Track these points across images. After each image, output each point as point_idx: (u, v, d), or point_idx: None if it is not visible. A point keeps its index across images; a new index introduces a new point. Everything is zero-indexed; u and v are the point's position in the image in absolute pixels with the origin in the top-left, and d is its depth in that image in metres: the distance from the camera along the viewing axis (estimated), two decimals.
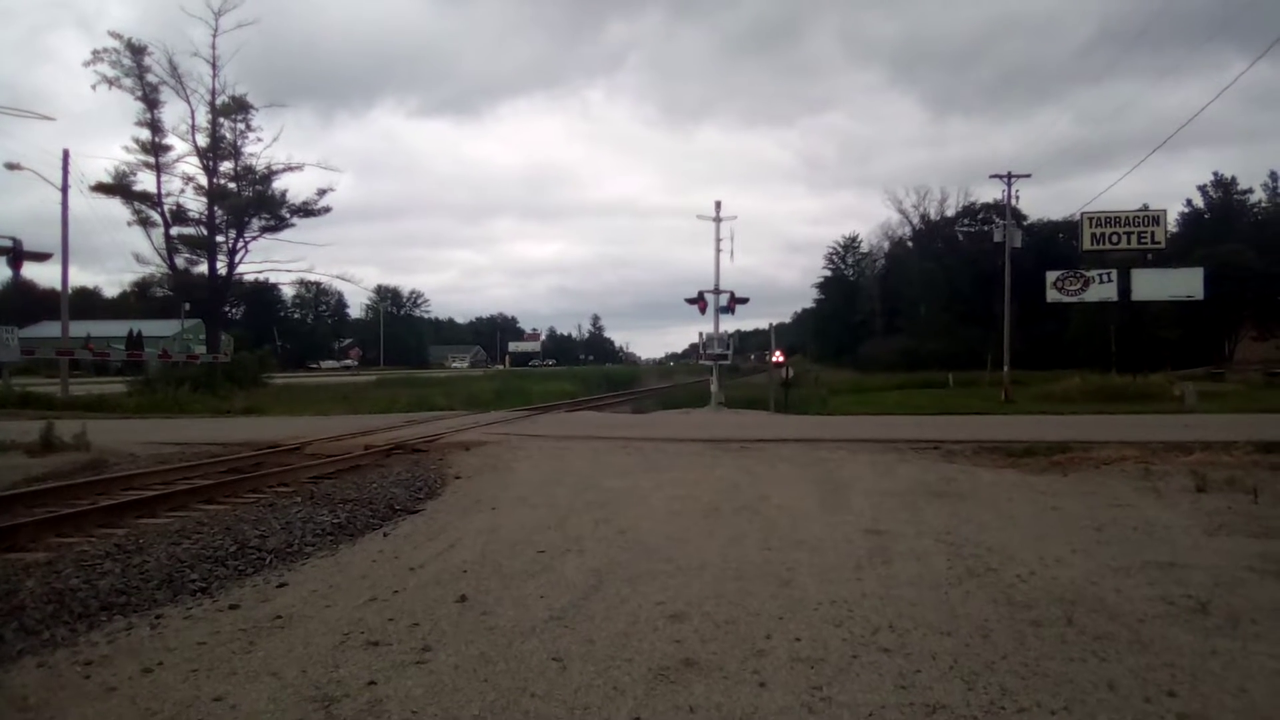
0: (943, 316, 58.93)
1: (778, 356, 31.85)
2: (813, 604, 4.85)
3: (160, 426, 17.37)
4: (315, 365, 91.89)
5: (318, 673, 3.84)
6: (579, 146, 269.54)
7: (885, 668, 3.84)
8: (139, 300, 66.51)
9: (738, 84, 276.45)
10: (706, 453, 12.31)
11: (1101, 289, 33.69)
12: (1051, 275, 34.52)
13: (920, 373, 43.32)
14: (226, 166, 36.03)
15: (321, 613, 4.80)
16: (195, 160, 35.15)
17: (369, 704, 3.49)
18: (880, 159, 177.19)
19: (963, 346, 48.40)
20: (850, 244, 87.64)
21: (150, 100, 33.80)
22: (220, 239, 36.05)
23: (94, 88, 33.97)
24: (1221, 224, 55.30)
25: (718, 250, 26.73)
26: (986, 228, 55.37)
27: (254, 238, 36.82)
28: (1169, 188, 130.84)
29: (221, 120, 35.25)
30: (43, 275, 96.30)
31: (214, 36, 33.74)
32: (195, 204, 35.57)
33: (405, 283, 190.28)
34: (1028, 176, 34.27)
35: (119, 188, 33.79)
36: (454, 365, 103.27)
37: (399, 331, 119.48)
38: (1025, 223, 50.53)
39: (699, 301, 26.90)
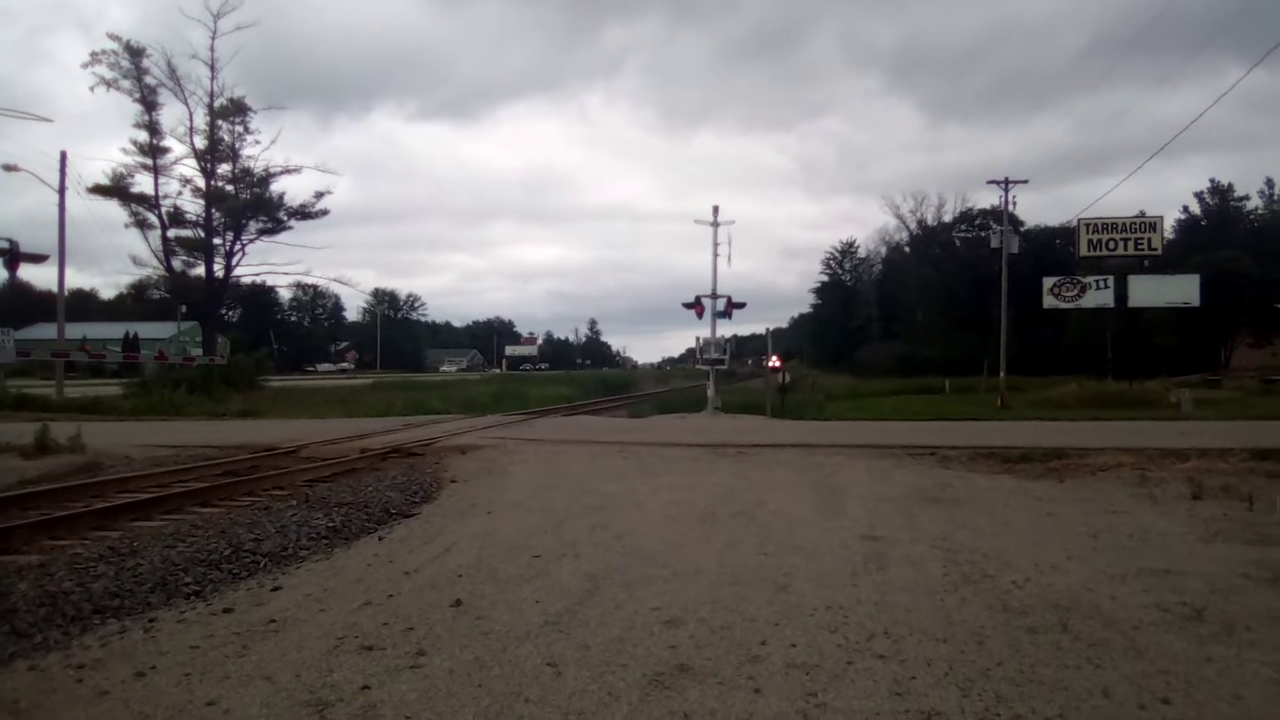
0: (939, 322, 59.00)
1: (774, 361, 31.84)
2: (808, 610, 4.85)
3: (156, 429, 17.34)
4: (312, 368, 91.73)
5: (311, 677, 3.82)
6: (577, 150, 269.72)
7: (880, 674, 3.83)
8: (135, 302, 66.43)
9: (736, 88, 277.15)
10: (703, 458, 12.31)
11: (1098, 295, 33.79)
12: (1048, 281, 34.61)
13: (917, 378, 43.40)
14: (224, 169, 36.12)
15: (316, 617, 4.78)
16: (193, 162, 35.24)
17: (363, 708, 3.48)
18: (878, 164, 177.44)
19: (959, 352, 48.42)
20: (848, 249, 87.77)
21: (148, 102, 33.84)
22: (217, 241, 36.11)
23: (92, 89, 34.09)
24: (1218, 231, 55.37)
25: (715, 255, 26.86)
26: (984, 233, 55.48)
27: (251, 240, 36.91)
28: (1166, 194, 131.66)
29: (220, 123, 35.31)
30: (39, 277, 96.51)
31: (213, 39, 33.84)
32: (193, 206, 35.64)
33: (402, 286, 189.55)
34: (1025, 182, 34.23)
35: (116, 190, 33.80)
36: (443, 369, 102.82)
37: (396, 335, 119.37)
38: (1022, 229, 50.60)
39: (696, 306, 26.95)
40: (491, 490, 9.62)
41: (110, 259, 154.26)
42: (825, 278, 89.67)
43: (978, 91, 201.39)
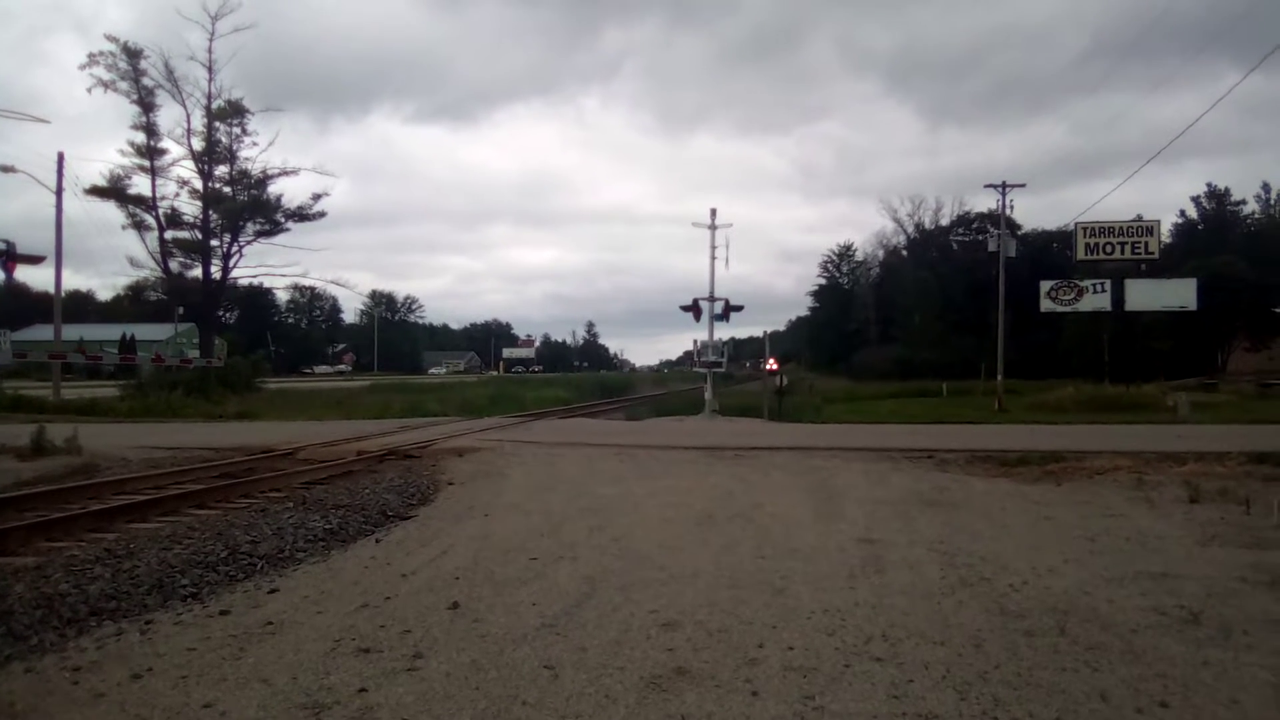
0: (937, 325, 58.99)
1: (772, 364, 31.83)
2: (806, 613, 4.85)
3: (152, 431, 17.29)
4: (309, 370, 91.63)
5: (308, 679, 3.82)
6: (575, 153, 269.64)
7: (878, 677, 3.83)
8: (132, 304, 66.35)
9: (734, 92, 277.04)
10: (700, 460, 12.31)
11: (1095, 299, 33.85)
12: (1045, 285, 34.69)
13: (914, 381, 43.38)
14: (222, 171, 36.16)
15: (312, 619, 4.78)
16: (190, 164, 35.28)
17: (360, 711, 3.48)
18: (876, 168, 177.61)
19: (956, 356, 48.40)
20: (845, 252, 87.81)
21: (146, 104, 33.87)
22: (215, 243, 36.14)
23: (90, 91, 34.13)
24: (1215, 235, 55.48)
25: (713, 258, 26.87)
26: (981, 237, 55.44)
27: (248, 242, 36.93)
28: (1163, 198, 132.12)
29: (217, 124, 35.34)
30: (36, 278, 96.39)
31: (210, 40, 33.89)
32: (190, 208, 35.67)
33: (400, 288, 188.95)
34: (1022, 186, 34.34)
35: (113, 191, 33.82)
36: (432, 371, 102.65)
37: (393, 337, 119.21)
38: (1020, 232, 50.67)
39: (694, 309, 26.98)
40: (489, 493, 9.61)
41: (107, 260, 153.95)
42: (823, 281, 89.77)
43: (975, 95, 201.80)
